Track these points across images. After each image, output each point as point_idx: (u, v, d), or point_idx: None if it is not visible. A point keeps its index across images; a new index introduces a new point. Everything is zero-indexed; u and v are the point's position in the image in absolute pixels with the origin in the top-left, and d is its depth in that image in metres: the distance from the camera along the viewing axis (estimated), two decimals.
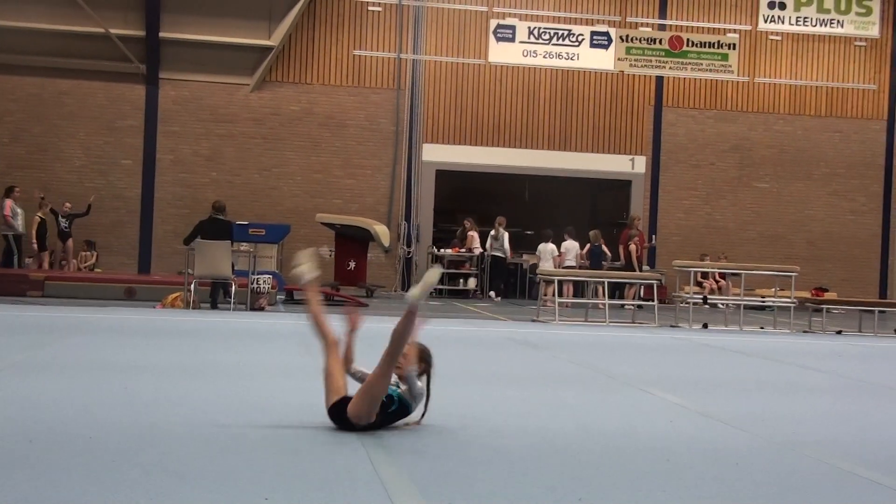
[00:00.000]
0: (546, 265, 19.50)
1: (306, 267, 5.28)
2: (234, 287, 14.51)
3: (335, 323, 5.27)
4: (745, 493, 4.30)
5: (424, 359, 5.32)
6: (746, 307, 16.31)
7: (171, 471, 4.15)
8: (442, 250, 22.90)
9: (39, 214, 20.10)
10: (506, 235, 21.56)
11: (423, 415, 5.27)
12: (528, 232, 24.44)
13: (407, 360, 5.15)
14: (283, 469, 4.28)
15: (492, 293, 21.12)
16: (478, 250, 22.08)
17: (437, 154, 23.45)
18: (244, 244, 16.44)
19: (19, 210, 19.64)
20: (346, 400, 5.03)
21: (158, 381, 6.70)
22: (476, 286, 22.16)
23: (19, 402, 5.76)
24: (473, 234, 22.36)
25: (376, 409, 5.02)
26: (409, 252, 23.18)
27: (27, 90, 22.05)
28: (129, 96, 22.35)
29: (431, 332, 12.73)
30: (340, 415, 5.00)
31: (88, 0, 21.39)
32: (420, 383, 5.17)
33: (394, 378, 5.10)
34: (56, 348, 8.77)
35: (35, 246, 19.96)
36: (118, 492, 3.78)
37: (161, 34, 22.15)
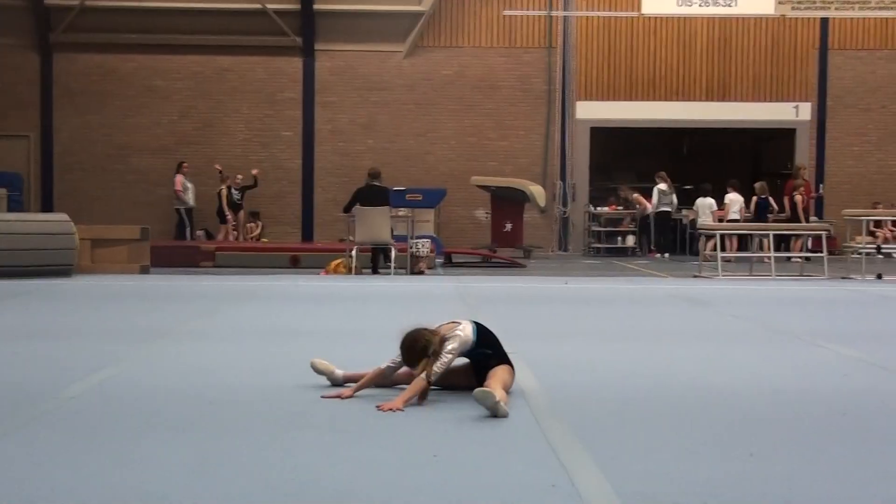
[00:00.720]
0: (705, 220, 19.00)
1: (325, 369, 5.26)
2: (393, 252, 14.76)
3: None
4: None
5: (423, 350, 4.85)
6: None
7: (343, 429, 4.28)
8: (598, 208, 22.66)
9: (225, 186, 20.81)
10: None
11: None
12: (687, 186, 23.87)
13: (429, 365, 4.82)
14: (449, 427, 4.34)
15: (663, 254, 20.54)
16: (649, 207, 21.29)
17: (591, 111, 23.13)
18: (402, 209, 16.68)
19: (189, 185, 20.50)
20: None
21: (326, 343, 6.91)
22: (635, 243, 21.84)
23: (200, 365, 6.05)
24: (638, 196, 21.89)
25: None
26: (565, 212, 23.03)
27: (192, 68, 22.92)
28: (287, 69, 22.93)
29: (592, 289, 12.64)
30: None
31: None
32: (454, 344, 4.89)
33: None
34: (230, 315, 9.14)
35: (229, 216, 20.70)
36: (294, 450, 3.93)
37: (315, 6, 22.60)
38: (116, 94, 22.71)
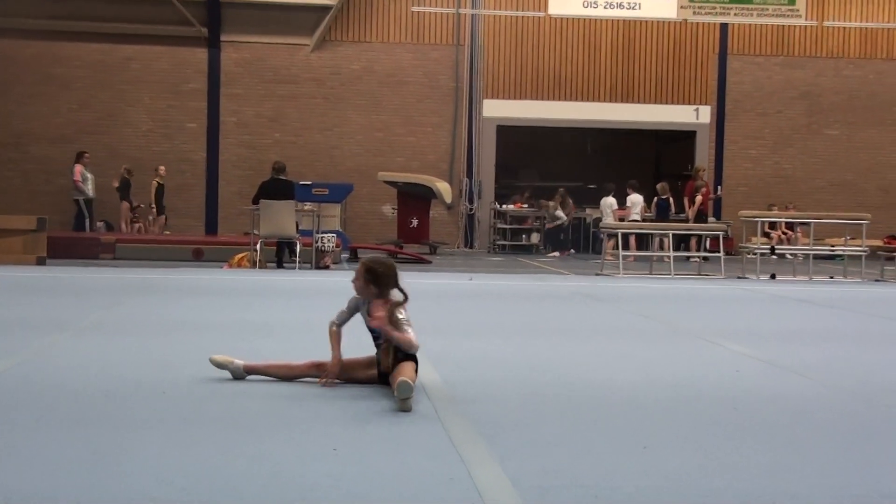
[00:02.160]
0: (607, 219, 19.33)
1: (224, 361, 5.21)
2: (299, 246, 14.66)
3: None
4: (814, 440, 4.26)
5: (379, 281, 5.07)
6: (816, 257, 16.04)
7: (241, 424, 4.25)
8: (504, 206, 22.86)
9: (157, 180, 20.63)
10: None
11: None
12: (591, 186, 24.27)
13: (381, 311, 4.99)
14: (350, 422, 4.35)
15: (567, 251, 21.20)
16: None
17: (497, 109, 23.33)
18: (308, 204, 16.58)
19: (89, 175, 20.00)
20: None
21: (228, 338, 6.84)
22: (539, 241, 22.13)
23: (97, 359, 5.92)
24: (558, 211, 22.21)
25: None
26: (471, 209, 23.18)
27: (93, 57, 22.38)
28: (192, 60, 22.56)
29: (497, 286, 12.76)
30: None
31: None
32: (401, 315, 5.03)
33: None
34: (130, 308, 8.97)
35: (154, 210, 20.62)
36: (192, 445, 3.88)
37: None
38: (13, 80, 22.04)
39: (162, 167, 21.05)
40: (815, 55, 23.91)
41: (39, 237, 14.35)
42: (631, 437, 4.19)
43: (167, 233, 20.73)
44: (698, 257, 17.17)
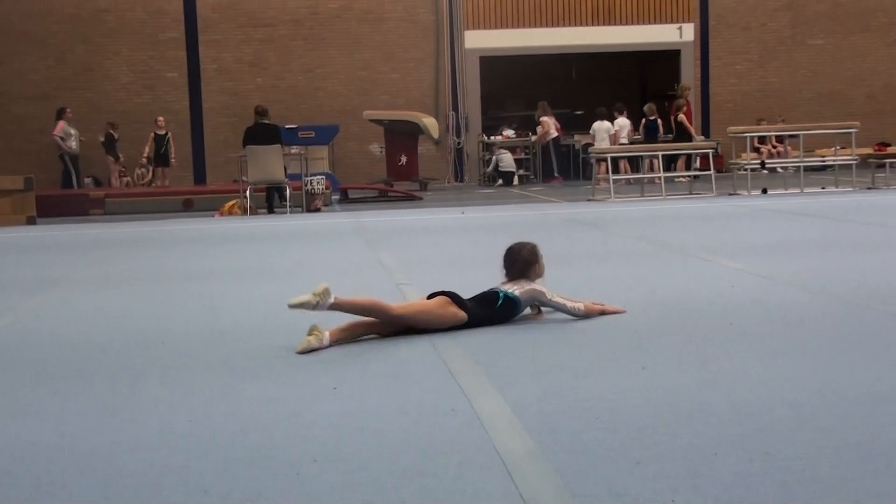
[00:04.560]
0: (603, 144, 19.13)
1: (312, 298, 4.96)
2: (288, 190, 14.61)
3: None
4: (809, 347, 4.29)
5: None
6: (807, 168, 16.02)
7: (241, 368, 4.26)
8: (492, 137, 22.73)
9: (155, 131, 20.42)
10: None
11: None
12: (578, 112, 24.10)
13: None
14: (350, 361, 4.36)
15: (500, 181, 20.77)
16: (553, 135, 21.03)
17: (479, 41, 23.06)
18: (295, 147, 16.48)
19: (73, 131, 19.82)
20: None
21: (224, 285, 6.84)
22: (527, 171, 21.98)
23: (93, 313, 5.93)
24: (547, 120, 21.26)
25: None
26: (459, 142, 23.06)
27: (67, 11, 22.03)
28: (168, 8, 22.21)
29: (489, 217, 12.75)
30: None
31: None
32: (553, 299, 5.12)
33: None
34: (122, 261, 8.95)
35: (144, 160, 20.57)
36: (192, 391, 3.90)
37: None
38: None
39: (161, 118, 20.75)
40: None
41: (27, 197, 14.27)
42: (628, 358, 4.22)
43: (157, 184, 20.62)
44: (688, 176, 17.12)
